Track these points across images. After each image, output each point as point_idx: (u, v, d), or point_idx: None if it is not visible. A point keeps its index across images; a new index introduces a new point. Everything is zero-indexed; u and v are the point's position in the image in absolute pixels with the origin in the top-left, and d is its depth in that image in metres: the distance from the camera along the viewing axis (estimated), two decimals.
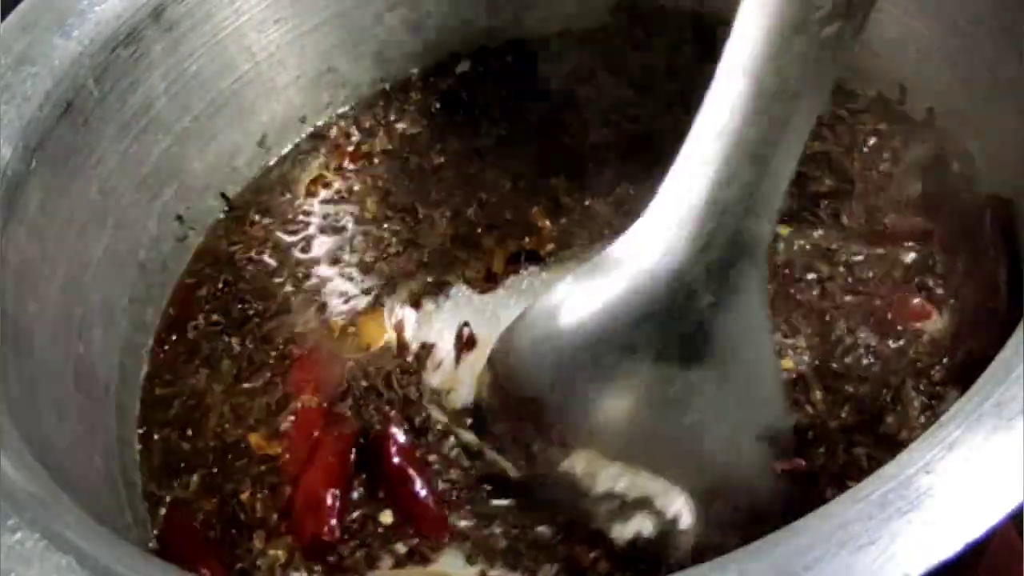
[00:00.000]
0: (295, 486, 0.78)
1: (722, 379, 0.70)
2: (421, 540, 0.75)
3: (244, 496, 0.79)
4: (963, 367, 0.77)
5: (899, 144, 0.91)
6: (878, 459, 0.71)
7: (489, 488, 0.77)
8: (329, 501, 0.75)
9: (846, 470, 0.72)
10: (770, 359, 0.74)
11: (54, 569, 0.56)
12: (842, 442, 0.73)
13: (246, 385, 0.86)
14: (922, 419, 0.75)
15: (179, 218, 0.95)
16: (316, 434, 0.80)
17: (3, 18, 0.84)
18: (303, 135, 1.04)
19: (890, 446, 0.73)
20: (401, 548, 0.75)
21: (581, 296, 0.72)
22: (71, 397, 0.79)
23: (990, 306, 0.78)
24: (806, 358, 0.80)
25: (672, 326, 0.69)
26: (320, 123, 1.05)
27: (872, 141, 0.92)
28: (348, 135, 1.04)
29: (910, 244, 0.84)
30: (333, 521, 0.75)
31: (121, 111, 0.87)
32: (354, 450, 0.79)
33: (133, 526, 0.78)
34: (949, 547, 0.48)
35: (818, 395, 0.76)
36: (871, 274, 0.83)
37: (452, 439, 0.80)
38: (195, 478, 0.82)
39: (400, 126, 1.03)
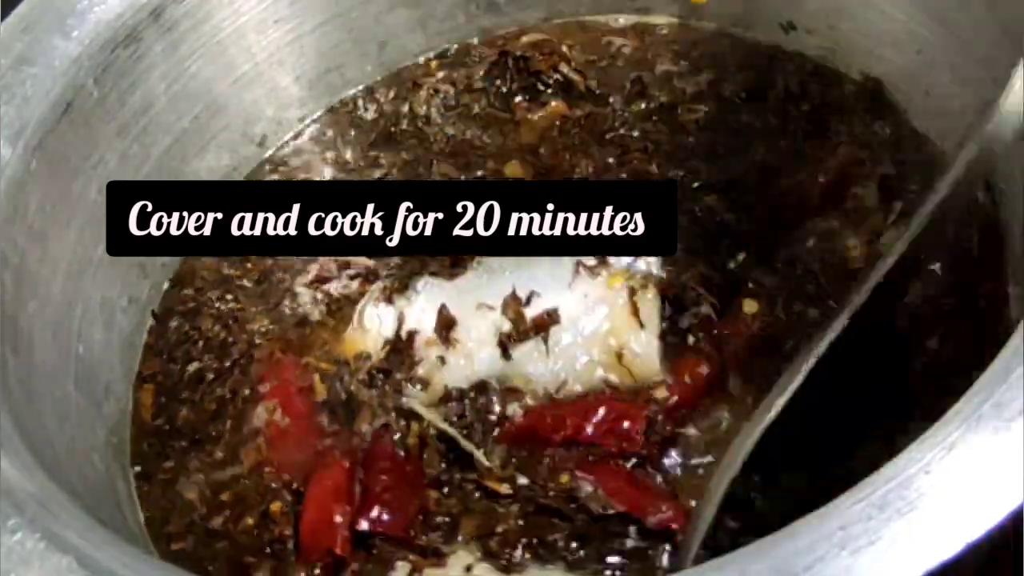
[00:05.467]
0: (302, 507, 0.77)
1: None
2: (431, 539, 0.74)
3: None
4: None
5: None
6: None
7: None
8: (339, 519, 0.74)
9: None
10: None
11: (54, 569, 0.56)
12: None
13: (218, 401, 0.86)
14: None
15: None
16: (320, 446, 0.80)
17: (3, 18, 0.84)
18: (302, 136, 1.05)
19: None
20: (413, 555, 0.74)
21: None
22: (71, 397, 0.79)
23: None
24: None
25: None
26: (319, 124, 1.05)
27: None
28: (344, 137, 1.04)
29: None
30: (344, 535, 0.74)
31: (121, 111, 0.87)
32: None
33: (133, 526, 0.78)
34: (949, 547, 0.49)
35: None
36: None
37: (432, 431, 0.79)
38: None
39: (391, 130, 1.03)
